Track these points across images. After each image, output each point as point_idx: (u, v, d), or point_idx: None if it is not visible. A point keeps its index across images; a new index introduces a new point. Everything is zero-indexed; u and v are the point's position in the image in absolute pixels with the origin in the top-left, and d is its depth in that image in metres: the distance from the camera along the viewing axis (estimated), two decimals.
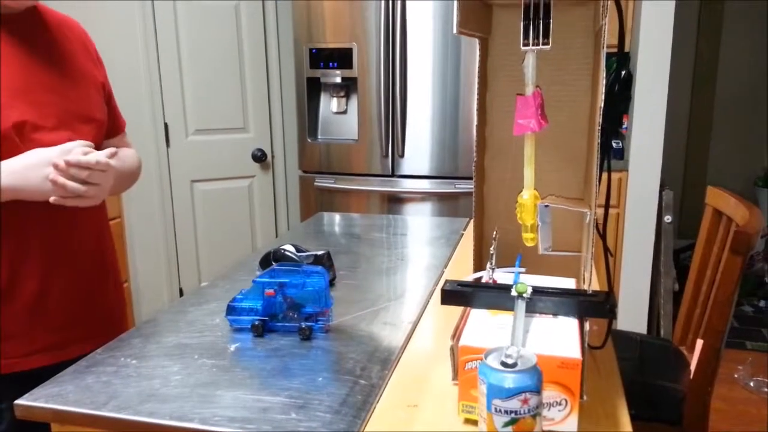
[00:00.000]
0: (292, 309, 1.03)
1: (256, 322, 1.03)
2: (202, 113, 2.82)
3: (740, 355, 2.85)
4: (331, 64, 2.68)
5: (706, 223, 1.62)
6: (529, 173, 0.88)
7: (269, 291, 1.02)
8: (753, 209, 1.36)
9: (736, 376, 2.66)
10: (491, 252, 0.97)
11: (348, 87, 2.75)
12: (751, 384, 2.59)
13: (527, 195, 0.88)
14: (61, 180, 0.99)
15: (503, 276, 0.97)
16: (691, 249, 1.92)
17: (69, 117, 1.11)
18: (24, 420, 0.82)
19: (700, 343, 1.33)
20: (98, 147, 1.19)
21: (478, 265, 1.06)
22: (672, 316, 2.56)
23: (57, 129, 1.08)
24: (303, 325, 1.01)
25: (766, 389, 2.55)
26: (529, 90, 0.84)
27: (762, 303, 3.44)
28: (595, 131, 0.87)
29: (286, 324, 1.03)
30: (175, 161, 2.81)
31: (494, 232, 1.02)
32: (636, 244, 2.60)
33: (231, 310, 1.05)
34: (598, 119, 0.83)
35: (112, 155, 1.06)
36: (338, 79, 2.70)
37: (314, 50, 2.69)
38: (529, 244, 0.90)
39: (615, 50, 0.91)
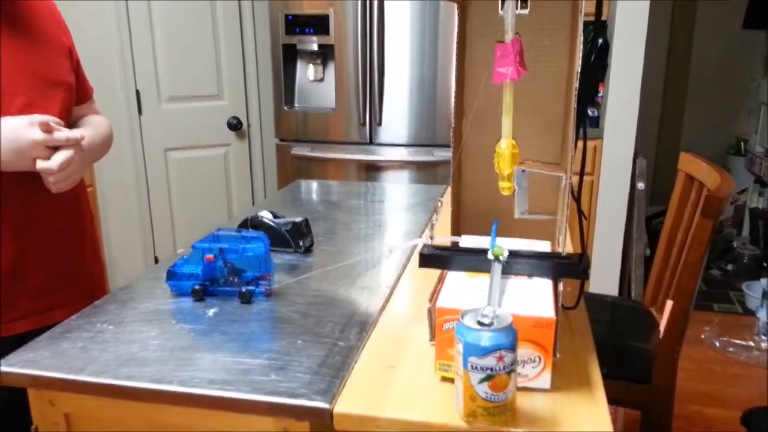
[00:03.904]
0: (232, 274, 1.03)
1: (196, 287, 1.03)
2: (175, 80, 2.76)
3: (708, 316, 2.94)
4: (307, 30, 2.63)
5: (678, 188, 1.65)
6: (507, 122, 0.87)
7: (209, 256, 1.03)
8: (724, 174, 1.38)
9: (703, 337, 2.75)
10: (433, 222, 0.97)
11: (325, 54, 2.71)
12: (717, 344, 2.69)
13: (505, 144, 0.88)
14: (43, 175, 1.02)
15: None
16: (663, 215, 1.95)
17: (37, 81, 1.09)
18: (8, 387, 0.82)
19: (669, 303, 1.36)
20: (69, 112, 1.18)
21: (456, 231, 1.07)
22: (643, 281, 2.62)
23: (25, 93, 1.06)
24: (243, 289, 1.02)
25: (731, 349, 2.65)
26: (508, 37, 0.83)
27: (730, 267, 3.54)
28: (572, 97, 0.87)
29: (227, 288, 1.04)
30: (147, 129, 2.76)
31: (439, 202, 1.02)
32: (609, 211, 2.64)
33: (171, 275, 1.05)
34: (575, 84, 0.84)
35: (81, 139, 1.06)
36: (315, 46, 2.66)
37: (290, 16, 2.64)
38: (506, 193, 0.91)
39: (592, 18, 0.90)
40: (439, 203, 1.01)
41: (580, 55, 0.84)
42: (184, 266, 1.05)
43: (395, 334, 0.92)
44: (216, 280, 1.04)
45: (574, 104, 0.85)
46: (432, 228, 0.95)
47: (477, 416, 0.68)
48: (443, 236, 1.01)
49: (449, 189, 1.07)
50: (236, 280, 1.03)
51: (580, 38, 0.86)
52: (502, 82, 0.85)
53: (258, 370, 0.80)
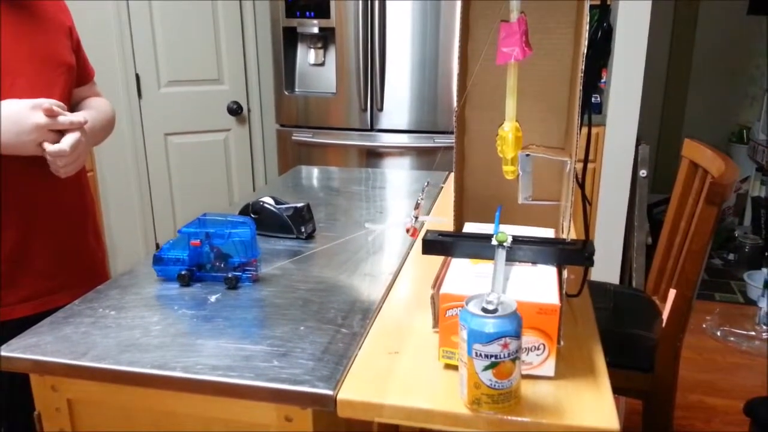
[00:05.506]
0: (219, 259, 1.03)
1: (183, 272, 1.02)
2: (174, 64, 2.74)
3: (709, 306, 2.95)
4: (307, 13, 2.61)
5: (681, 175, 1.64)
6: (510, 104, 0.85)
7: (195, 241, 1.02)
8: (729, 161, 1.37)
9: (704, 326, 2.75)
10: (419, 201, 0.96)
11: (326, 38, 2.69)
12: (718, 333, 2.69)
13: (508, 127, 0.86)
14: (50, 159, 1.02)
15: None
16: (665, 204, 1.95)
17: (38, 62, 1.09)
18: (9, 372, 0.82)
19: (672, 292, 1.36)
20: (70, 94, 1.17)
21: (459, 217, 1.06)
22: (644, 269, 2.62)
23: (26, 74, 1.06)
24: (230, 274, 1.02)
25: (732, 338, 2.65)
26: (514, 16, 0.81)
27: (731, 256, 3.53)
28: (577, 81, 0.86)
29: (214, 274, 1.03)
30: (147, 114, 2.74)
31: (426, 182, 1.01)
32: (611, 198, 2.63)
33: (157, 260, 1.04)
34: (581, 66, 0.82)
35: (84, 123, 1.05)
36: (315, 30, 2.63)
37: None
38: (509, 176, 0.90)
39: (597, 2, 0.89)
40: (426, 183, 1.01)
41: (587, 36, 0.83)
42: (170, 251, 1.04)
43: (398, 321, 0.92)
44: (203, 265, 1.04)
45: (579, 88, 0.84)
46: (417, 207, 0.94)
47: (481, 404, 0.68)
48: (446, 223, 1.01)
49: (452, 176, 1.06)
50: (223, 265, 1.03)
51: (586, 18, 0.84)
52: (506, 62, 0.83)
53: (261, 356, 0.80)
